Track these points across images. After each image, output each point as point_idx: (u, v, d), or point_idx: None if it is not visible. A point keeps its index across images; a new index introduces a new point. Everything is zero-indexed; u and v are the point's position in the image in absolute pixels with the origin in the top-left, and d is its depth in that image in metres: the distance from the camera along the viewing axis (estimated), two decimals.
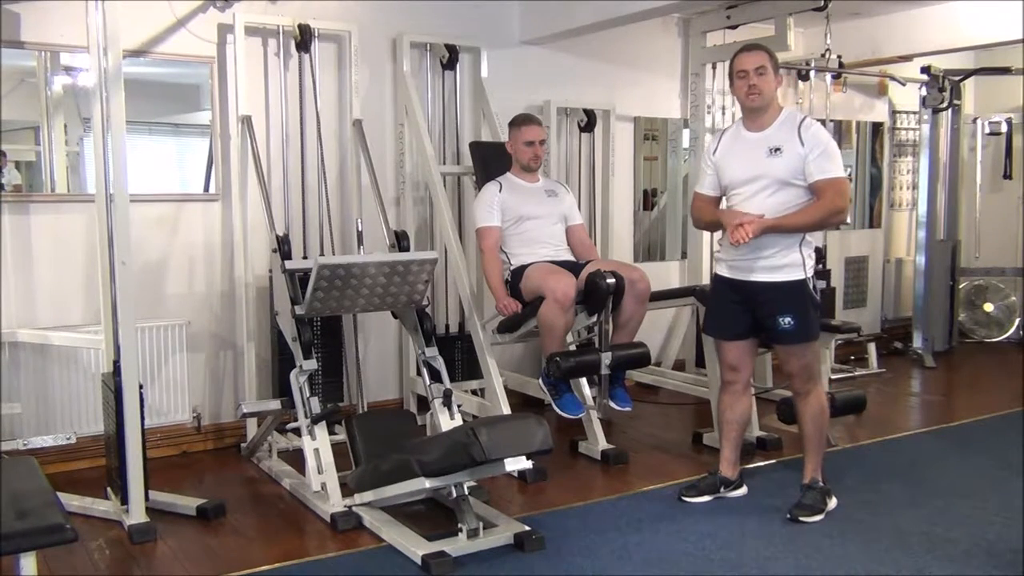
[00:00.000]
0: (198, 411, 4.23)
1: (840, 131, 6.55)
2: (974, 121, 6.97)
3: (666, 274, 5.69)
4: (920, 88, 6.27)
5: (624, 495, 3.65)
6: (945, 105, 6.22)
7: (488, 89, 4.82)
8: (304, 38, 4.27)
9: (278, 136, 4.36)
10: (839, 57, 5.75)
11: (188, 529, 3.33)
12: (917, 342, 6.35)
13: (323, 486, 3.42)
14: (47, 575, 2.86)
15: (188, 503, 3.44)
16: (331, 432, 3.68)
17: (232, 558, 3.07)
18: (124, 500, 3.22)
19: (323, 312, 3.62)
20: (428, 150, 4.43)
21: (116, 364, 3.18)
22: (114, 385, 3.19)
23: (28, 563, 2.03)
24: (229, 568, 2.97)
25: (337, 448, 3.57)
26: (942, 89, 6.16)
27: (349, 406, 4.41)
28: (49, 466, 3.50)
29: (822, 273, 5.75)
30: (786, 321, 3.27)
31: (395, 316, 3.98)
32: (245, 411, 3.68)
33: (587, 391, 4.14)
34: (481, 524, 3.08)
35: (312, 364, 3.55)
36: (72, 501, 3.40)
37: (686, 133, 5.73)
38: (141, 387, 3.22)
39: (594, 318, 3.83)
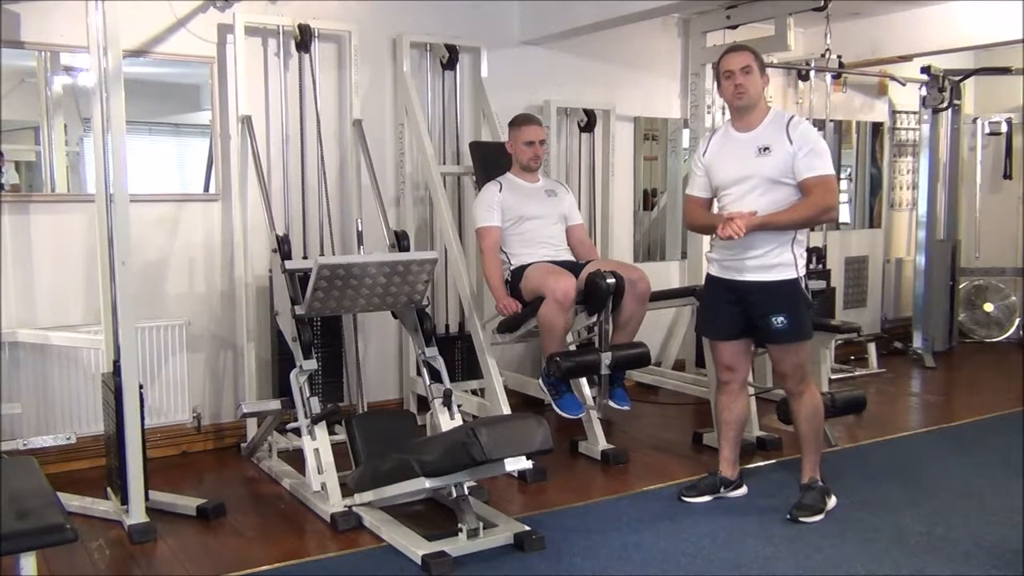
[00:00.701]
0: (198, 411, 4.23)
1: (840, 131, 6.55)
2: (974, 121, 6.97)
3: (666, 274, 5.70)
4: (920, 88, 6.28)
5: (624, 495, 3.65)
6: (945, 105, 6.22)
7: (488, 89, 4.82)
8: (304, 38, 4.27)
9: (278, 136, 4.36)
10: (839, 57, 5.75)
11: (188, 529, 3.33)
12: (917, 342, 6.35)
13: (323, 486, 3.42)
14: (47, 575, 2.86)
15: (188, 503, 3.44)
16: (331, 432, 3.67)
17: (232, 558, 3.07)
18: (124, 500, 3.22)
19: (323, 312, 3.63)
20: (428, 150, 4.43)
21: (116, 364, 3.18)
22: (114, 385, 3.19)
23: (28, 563, 2.03)
24: (229, 568, 2.97)
25: (337, 448, 3.57)
26: (942, 89, 6.16)
27: (349, 406, 4.41)
28: (49, 466, 3.50)
29: (822, 273, 5.77)
30: (779, 320, 3.28)
31: (395, 316, 3.98)
32: (245, 411, 3.68)
33: (587, 391, 4.14)
34: (481, 524, 3.08)
35: (312, 364, 3.55)
36: (72, 501, 3.40)
37: (686, 133, 5.73)
38: (141, 387, 3.22)
39: (594, 318, 3.83)
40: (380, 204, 4.28)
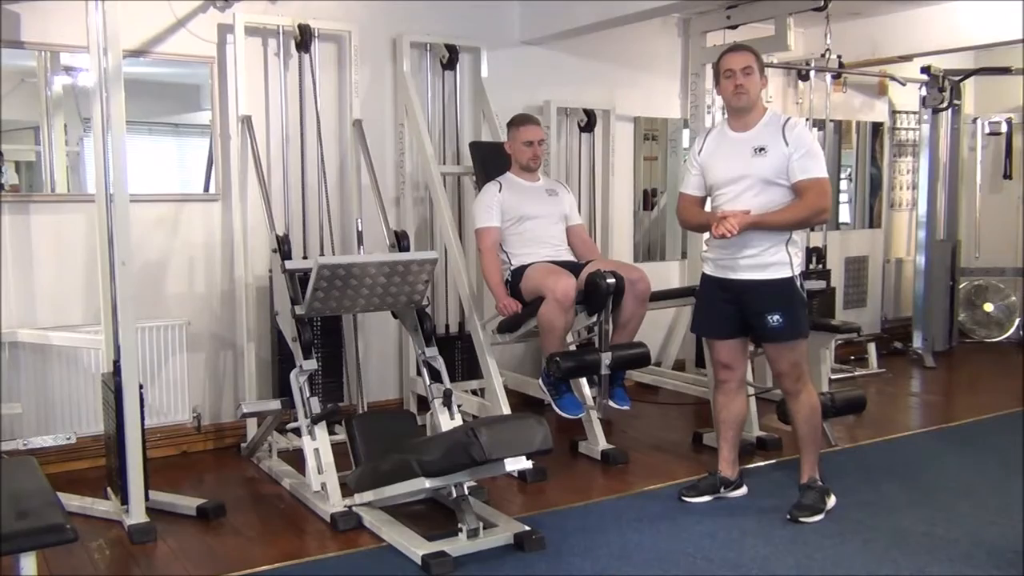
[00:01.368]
0: (198, 411, 4.22)
1: (840, 131, 6.56)
2: (974, 121, 6.97)
3: (666, 274, 5.70)
4: (920, 88, 6.28)
5: (624, 495, 3.65)
6: (945, 105, 6.22)
7: (488, 89, 4.82)
8: (304, 38, 4.27)
9: (278, 136, 4.36)
10: (839, 57, 5.75)
11: (188, 529, 3.33)
12: (917, 342, 6.35)
13: (323, 486, 3.42)
14: (47, 575, 2.86)
15: (188, 503, 3.44)
16: (331, 432, 3.68)
17: (232, 558, 3.07)
18: (124, 500, 3.22)
19: (323, 312, 3.63)
20: (428, 150, 4.43)
21: (116, 364, 3.18)
22: (114, 385, 3.19)
23: (28, 563, 2.03)
24: (229, 568, 2.97)
25: (337, 448, 3.57)
26: (942, 89, 6.16)
27: (349, 406, 4.41)
28: (49, 466, 3.49)
29: (822, 273, 5.77)
30: (774, 319, 3.28)
31: (395, 316, 3.98)
32: (245, 411, 3.68)
33: (587, 391, 4.14)
34: (481, 524, 3.08)
35: (312, 364, 3.55)
36: (72, 501, 3.40)
37: (686, 133, 5.73)
38: (141, 387, 3.22)
39: (594, 318, 3.83)
40: (380, 204, 4.28)
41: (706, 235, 3.40)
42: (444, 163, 4.76)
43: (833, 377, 5.31)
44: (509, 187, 4.14)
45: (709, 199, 3.46)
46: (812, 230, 6.11)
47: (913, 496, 3.59)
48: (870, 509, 3.43)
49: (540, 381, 3.91)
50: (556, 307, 3.72)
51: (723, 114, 5.51)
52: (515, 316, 3.96)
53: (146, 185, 4.09)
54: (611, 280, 3.71)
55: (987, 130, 6.89)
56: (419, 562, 2.94)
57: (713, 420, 3.67)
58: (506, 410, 3.97)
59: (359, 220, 4.41)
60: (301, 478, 3.67)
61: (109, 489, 3.44)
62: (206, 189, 4.31)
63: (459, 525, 3.05)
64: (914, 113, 6.75)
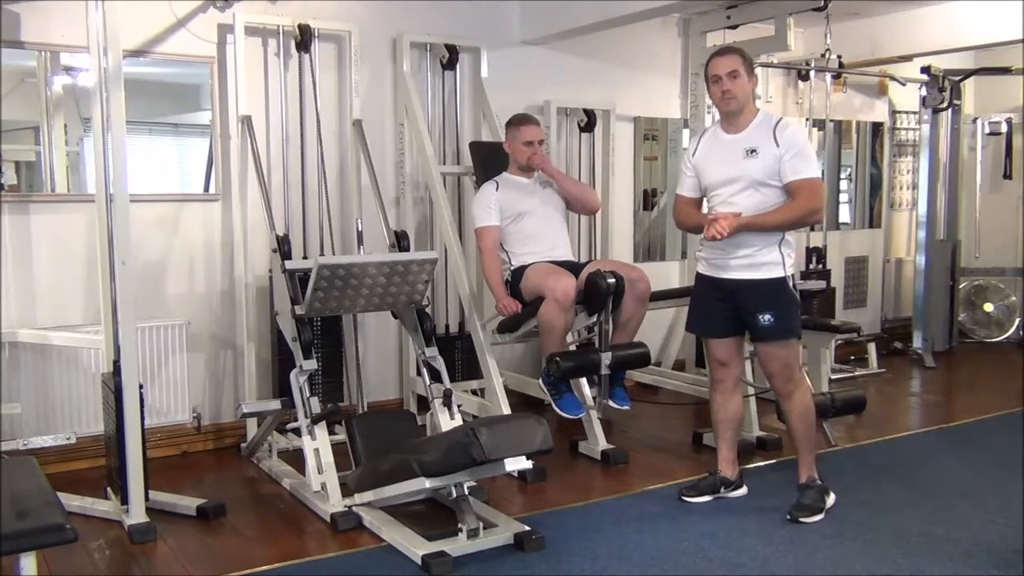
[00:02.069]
0: (198, 411, 4.22)
1: (840, 131, 6.56)
2: (974, 121, 6.97)
3: (666, 274, 5.70)
4: (920, 88, 6.28)
5: (624, 495, 3.65)
6: (945, 105, 6.22)
7: (488, 89, 4.82)
8: (304, 38, 4.27)
9: (278, 136, 4.36)
10: (839, 57, 5.75)
11: (188, 529, 3.33)
12: (917, 342, 6.35)
13: (323, 486, 3.42)
14: (47, 575, 2.86)
15: (188, 503, 3.44)
16: (331, 432, 3.68)
17: (232, 558, 3.07)
18: (124, 500, 3.22)
19: (323, 312, 3.62)
20: (428, 150, 4.43)
21: (116, 364, 3.18)
22: (114, 385, 3.19)
23: (28, 563, 2.03)
24: (229, 568, 2.97)
25: (337, 448, 3.57)
26: (942, 89, 6.16)
27: (349, 406, 4.41)
28: (49, 466, 3.50)
29: (822, 273, 5.77)
30: (765, 318, 3.29)
31: (395, 316, 3.98)
32: (245, 411, 3.68)
33: (587, 391, 4.14)
34: (481, 524, 3.08)
35: (312, 364, 3.55)
36: (72, 501, 3.40)
37: (686, 133, 5.72)
38: (141, 387, 3.22)
39: (594, 318, 3.83)
40: (380, 204, 4.28)
41: (700, 235, 3.41)
42: (444, 163, 4.76)
43: (833, 377, 5.32)
44: (506, 185, 4.15)
45: (705, 200, 3.47)
46: (812, 229, 6.12)
47: (913, 496, 3.59)
48: (870, 509, 3.44)
49: (540, 381, 3.91)
50: (556, 307, 3.72)
51: (714, 116, 5.55)
52: (515, 316, 3.96)
53: (146, 185, 4.09)
54: (611, 280, 3.71)
55: (987, 130, 6.89)
56: (419, 562, 2.94)
57: (711, 420, 3.68)
58: (506, 410, 3.97)
59: (359, 220, 4.41)
60: (301, 478, 3.67)
61: (109, 489, 3.44)
62: (206, 189, 4.31)
63: (459, 525, 3.05)
64: (914, 113, 6.75)
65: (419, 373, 3.93)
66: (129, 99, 3.17)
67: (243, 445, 4.21)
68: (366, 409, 4.45)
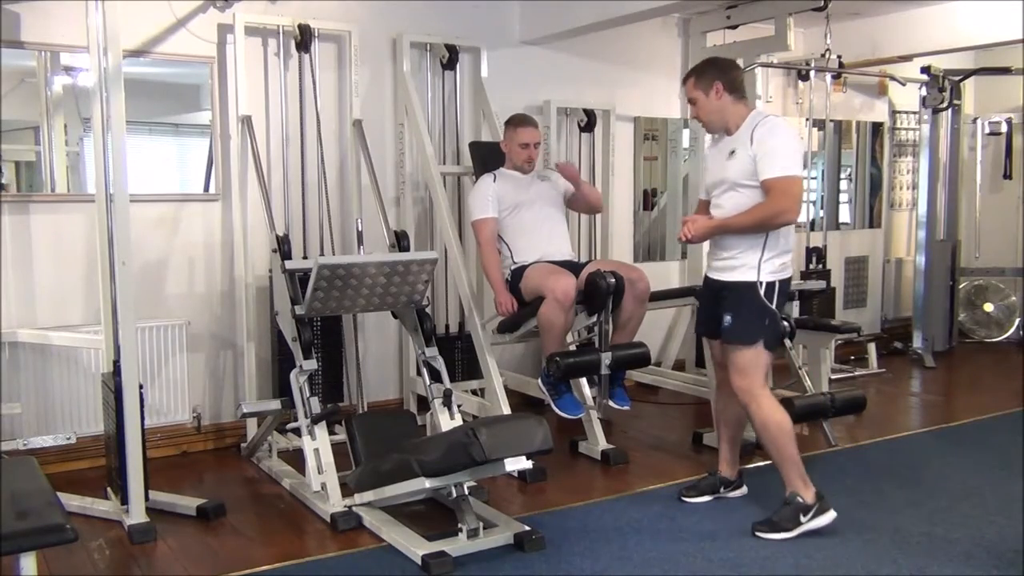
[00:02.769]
0: (198, 411, 4.23)
1: (840, 131, 6.56)
2: (974, 121, 6.97)
3: (666, 274, 5.70)
4: (920, 88, 6.28)
5: (624, 495, 3.65)
6: (945, 105, 6.22)
7: (488, 89, 4.82)
8: (304, 38, 4.27)
9: (278, 136, 4.36)
10: (839, 57, 5.75)
11: (188, 529, 3.33)
12: (917, 342, 6.35)
13: (323, 486, 3.42)
14: (47, 575, 2.86)
15: (188, 503, 3.44)
16: (331, 432, 3.68)
17: (232, 558, 3.07)
18: (124, 500, 3.22)
19: (323, 312, 3.62)
20: (428, 150, 4.43)
21: (116, 364, 3.18)
22: (114, 385, 3.19)
23: (28, 563, 2.03)
24: (229, 568, 2.97)
25: (337, 448, 3.57)
26: (942, 89, 6.16)
27: (349, 406, 4.41)
28: (49, 466, 3.50)
29: (822, 273, 5.77)
30: (726, 319, 3.27)
31: (395, 316, 3.98)
32: (245, 411, 3.68)
33: (587, 391, 4.14)
34: (481, 524, 3.08)
35: (312, 364, 3.55)
36: (72, 501, 3.40)
37: (686, 133, 5.73)
38: (141, 387, 3.22)
39: (594, 318, 3.83)
40: (380, 204, 4.28)
41: None
42: (444, 163, 4.76)
43: (833, 377, 5.32)
44: (503, 178, 4.17)
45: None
46: (812, 229, 6.12)
47: (913, 496, 3.59)
48: (870, 509, 3.44)
49: (540, 381, 3.91)
50: (556, 307, 3.72)
51: None
52: (515, 316, 3.96)
53: (146, 185, 4.09)
54: (611, 280, 3.71)
55: (987, 130, 6.89)
56: (419, 562, 2.94)
57: (713, 419, 3.67)
58: (506, 410, 3.97)
59: (359, 220, 4.41)
60: (301, 478, 3.68)
61: (109, 489, 3.44)
62: (206, 189, 4.31)
63: (459, 525, 3.05)
64: (914, 113, 6.75)
65: (419, 373, 3.93)
66: (129, 99, 3.17)
67: (243, 445, 4.21)
68: (366, 409, 4.45)
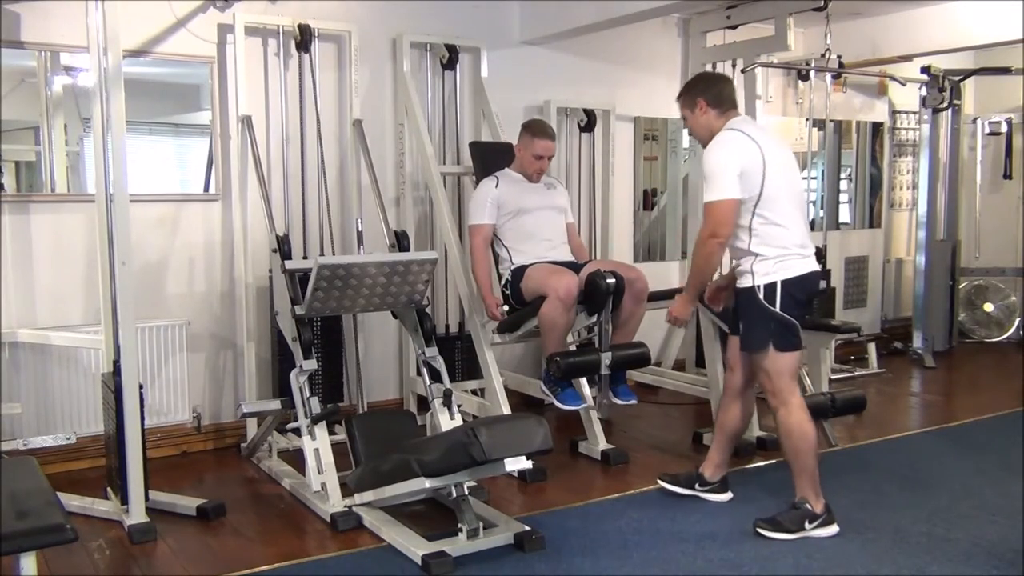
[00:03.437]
0: (198, 411, 4.23)
1: (840, 131, 6.56)
2: (974, 121, 6.97)
3: (666, 274, 5.69)
4: (920, 88, 6.28)
5: (624, 495, 3.65)
6: (945, 105, 6.22)
7: (488, 89, 4.82)
8: (304, 38, 4.27)
9: (278, 136, 4.36)
10: (839, 57, 5.74)
11: (188, 529, 3.33)
12: (917, 342, 6.34)
13: (323, 486, 3.42)
14: (47, 575, 2.86)
15: (188, 503, 3.44)
16: (331, 432, 3.68)
17: (232, 558, 3.07)
18: (124, 500, 3.22)
19: (323, 312, 3.62)
20: (428, 150, 4.43)
21: (116, 364, 3.18)
22: (114, 385, 3.19)
23: (28, 563, 2.03)
24: (229, 568, 2.97)
25: (337, 448, 3.57)
26: (942, 89, 6.16)
27: (349, 406, 4.41)
28: (49, 466, 3.50)
29: (822, 273, 5.76)
30: (741, 326, 3.30)
31: (395, 316, 3.98)
32: (245, 411, 3.68)
33: (587, 391, 4.14)
34: (481, 524, 3.08)
35: (312, 364, 3.55)
36: (72, 501, 3.40)
37: (686, 133, 5.72)
38: (141, 387, 3.22)
39: (594, 318, 3.83)
40: (380, 204, 4.28)
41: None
42: (444, 163, 4.76)
43: (833, 377, 5.32)
44: (507, 181, 4.15)
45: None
46: (811, 229, 6.09)
47: (913, 496, 3.59)
48: (870, 509, 3.44)
49: (541, 384, 3.93)
50: (559, 305, 3.72)
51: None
52: (516, 316, 3.97)
53: (146, 185, 4.09)
54: (611, 280, 3.71)
55: (987, 130, 6.89)
56: (419, 562, 2.94)
57: (714, 420, 3.67)
58: (506, 410, 3.97)
59: (359, 220, 4.41)
60: (301, 478, 3.67)
61: (109, 489, 3.44)
62: (206, 189, 4.31)
63: (459, 525, 3.05)
64: (914, 113, 6.75)
65: (419, 373, 3.93)
66: (129, 99, 3.17)
67: (243, 445, 4.21)
68: (366, 409, 4.45)
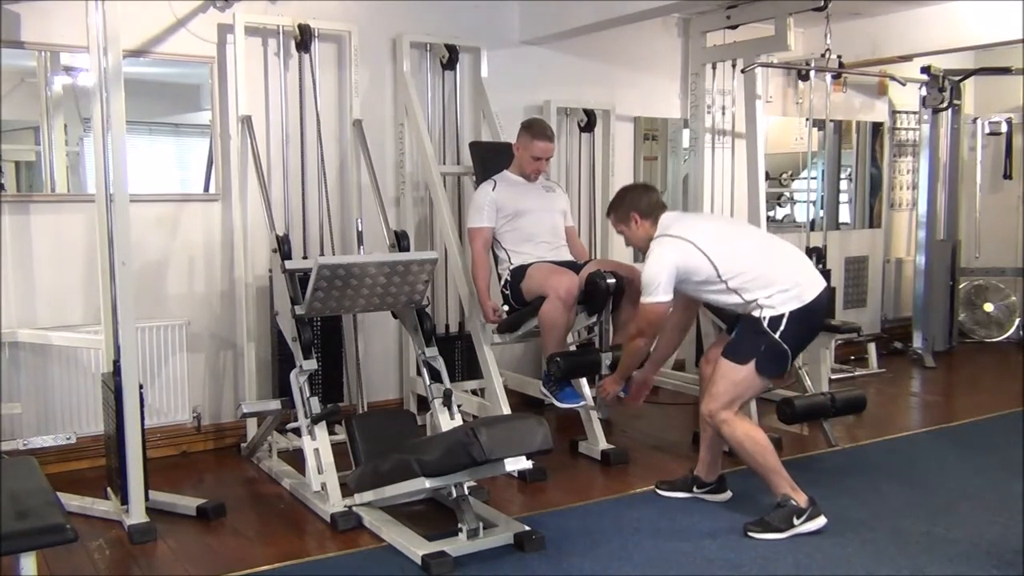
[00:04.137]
0: (198, 411, 4.23)
1: (840, 131, 6.56)
2: (974, 121, 6.97)
3: None
4: (920, 88, 6.27)
5: (624, 495, 3.65)
6: (945, 105, 6.21)
7: (488, 89, 4.82)
8: (304, 38, 4.27)
9: (278, 136, 4.36)
10: (839, 57, 5.74)
11: (188, 529, 3.33)
12: (917, 342, 6.34)
13: (323, 486, 3.42)
14: (47, 575, 2.86)
15: (188, 503, 3.44)
16: (331, 432, 3.68)
17: (232, 558, 3.07)
18: (124, 500, 3.22)
19: (323, 312, 3.63)
20: (428, 150, 4.43)
21: (116, 364, 3.18)
22: (114, 385, 3.19)
23: (28, 563, 2.03)
24: (229, 568, 2.97)
25: (337, 448, 3.57)
26: (942, 89, 6.16)
27: (349, 406, 4.41)
28: (49, 466, 3.50)
29: (822, 273, 5.76)
30: (735, 332, 3.35)
31: (395, 316, 3.98)
32: (245, 411, 3.68)
33: (587, 391, 4.14)
34: (481, 524, 3.08)
35: (312, 364, 3.55)
36: (72, 501, 3.40)
37: (686, 133, 5.72)
38: (141, 387, 3.22)
39: (594, 318, 3.83)
40: (380, 204, 4.28)
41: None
42: (444, 163, 4.76)
43: (833, 377, 5.32)
44: (504, 184, 4.15)
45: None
46: (811, 229, 6.11)
47: (913, 496, 3.59)
48: (870, 509, 3.43)
49: (541, 386, 3.93)
50: (560, 305, 3.72)
51: (722, 114, 5.54)
52: (516, 316, 3.97)
53: (146, 185, 4.09)
54: (611, 280, 3.71)
55: (987, 130, 6.88)
56: (419, 562, 2.94)
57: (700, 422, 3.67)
58: (506, 410, 3.97)
59: (359, 220, 4.41)
60: (301, 478, 3.67)
61: (109, 489, 3.44)
62: (206, 189, 4.31)
63: (459, 525, 3.05)
64: (914, 113, 6.75)
65: (419, 373, 3.93)
66: (129, 99, 3.18)
67: (243, 445, 4.21)
68: (366, 409, 4.45)
